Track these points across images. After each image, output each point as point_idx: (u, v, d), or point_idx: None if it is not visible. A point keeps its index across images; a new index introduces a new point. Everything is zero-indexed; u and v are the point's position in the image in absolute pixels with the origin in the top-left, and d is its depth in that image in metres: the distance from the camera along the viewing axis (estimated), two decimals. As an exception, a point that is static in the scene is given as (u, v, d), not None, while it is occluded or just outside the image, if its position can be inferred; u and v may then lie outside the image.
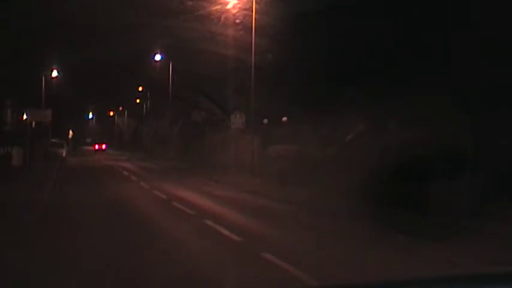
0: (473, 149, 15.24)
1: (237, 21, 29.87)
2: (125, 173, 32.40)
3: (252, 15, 26.94)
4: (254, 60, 27.09)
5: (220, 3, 29.74)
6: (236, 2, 29.08)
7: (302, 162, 22.72)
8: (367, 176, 14.58)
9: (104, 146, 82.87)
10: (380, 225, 11.97)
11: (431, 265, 8.79)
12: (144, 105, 70.56)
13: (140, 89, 67.22)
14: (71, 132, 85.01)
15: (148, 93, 65.41)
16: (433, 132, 14.97)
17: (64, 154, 50.32)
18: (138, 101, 73.72)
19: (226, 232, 11.91)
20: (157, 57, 50.62)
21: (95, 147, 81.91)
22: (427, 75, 17.29)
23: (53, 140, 52.03)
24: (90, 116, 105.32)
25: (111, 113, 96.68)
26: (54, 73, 51.24)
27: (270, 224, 13.65)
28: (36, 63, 41.17)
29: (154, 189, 21.34)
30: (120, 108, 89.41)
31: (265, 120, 29.90)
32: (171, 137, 50.41)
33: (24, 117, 41.84)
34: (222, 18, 30.36)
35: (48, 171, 32.16)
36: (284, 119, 28.73)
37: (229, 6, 29.67)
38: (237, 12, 29.57)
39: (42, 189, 21.38)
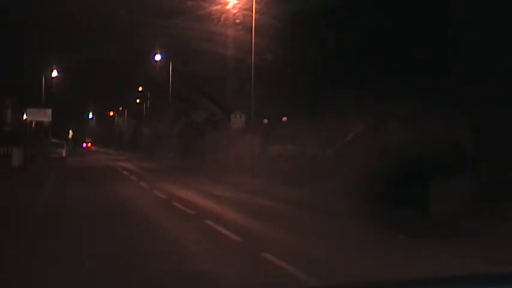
0: (473, 149, 15.25)
1: (237, 21, 29.89)
2: (125, 173, 32.40)
3: (252, 15, 26.94)
4: (254, 60, 27.09)
5: (220, 3, 29.76)
6: (236, 2, 29.10)
7: (302, 162, 22.72)
8: (367, 175, 14.58)
9: (89, 144, 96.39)
10: (380, 225, 11.97)
11: (432, 265, 8.79)
12: (144, 105, 70.55)
13: (140, 89, 67.26)
14: (71, 132, 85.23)
15: (148, 93, 65.41)
16: (433, 132, 14.97)
17: (64, 154, 50.28)
18: (138, 101, 73.73)
19: (226, 232, 11.91)
20: (157, 57, 50.70)
21: (83, 145, 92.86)
22: (427, 75, 17.30)
23: (53, 140, 52.01)
24: (90, 116, 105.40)
25: (111, 113, 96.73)
26: (54, 73, 51.28)
27: (270, 223, 13.65)
28: (36, 63, 41.19)
29: (154, 189, 21.34)
30: (120, 108, 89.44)
31: (265, 120, 29.90)
32: (171, 137, 50.40)
33: (24, 117, 41.87)
34: (222, 18, 30.39)
35: (48, 171, 32.18)
36: (284, 119, 28.72)
37: (229, 6, 29.70)
38: (237, 12, 29.60)
39: (42, 189, 21.40)
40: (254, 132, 28.13)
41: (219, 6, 29.86)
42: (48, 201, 17.93)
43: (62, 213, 15.31)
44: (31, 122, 42.49)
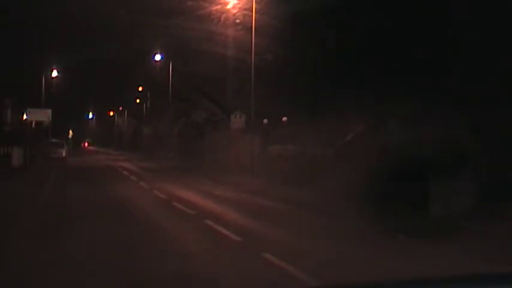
0: (473, 148, 15.24)
1: (237, 21, 29.90)
2: (125, 173, 32.40)
3: (252, 15, 26.94)
4: (254, 60, 27.09)
5: (220, 3, 29.77)
6: (236, 2, 29.11)
7: (302, 162, 22.72)
8: (367, 175, 14.58)
9: (86, 144, 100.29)
10: (380, 225, 11.97)
11: (432, 265, 8.79)
12: (144, 105, 70.58)
13: (140, 89, 67.30)
14: (71, 132, 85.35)
15: (148, 93, 65.44)
16: (433, 132, 14.97)
17: (64, 154, 50.23)
18: (138, 101, 73.76)
19: (226, 232, 11.91)
20: (157, 57, 50.74)
21: (81, 145, 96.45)
22: (427, 75, 17.30)
23: (53, 140, 51.99)
24: (90, 116, 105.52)
25: (111, 113, 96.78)
26: (54, 73, 51.30)
27: (270, 223, 13.65)
28: (36, 63, 41.22)
29: (154, 189, 21.34)
30: (120, 108, 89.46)
31: (265, 120, 29.91)
32: (171, 137, 50.42)
33: (24, 117, 41.87)
34: (222, 18, 30.40)
35: (48, 171, 32.17)
36: (284, 119, 28.73)
37: (229, 6, 29.71)
38: (237, 12, 29.61)
39: (42, 189, 21.39)
40: (254, 132, 28.13)
41: (219, 6, 29.87)
42: (48, 201, 17.92)
43: (62, 213, 15.31)
44: (31, 122, 42.48)
